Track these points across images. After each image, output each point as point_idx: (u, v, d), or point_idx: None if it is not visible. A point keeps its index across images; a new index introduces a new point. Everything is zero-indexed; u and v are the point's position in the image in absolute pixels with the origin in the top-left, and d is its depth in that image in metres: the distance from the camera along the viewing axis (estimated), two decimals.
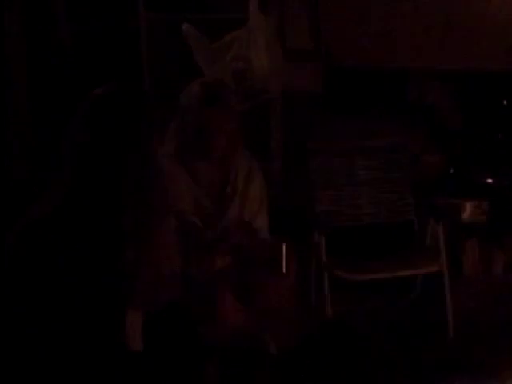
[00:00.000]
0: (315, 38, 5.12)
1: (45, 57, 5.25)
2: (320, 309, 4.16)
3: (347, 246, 4.30)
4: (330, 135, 4.73)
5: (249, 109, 4.60)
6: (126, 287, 2.08)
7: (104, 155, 2.07)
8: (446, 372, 3.82)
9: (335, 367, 3.48)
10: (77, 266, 2.00)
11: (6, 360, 2.04)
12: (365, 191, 4.59)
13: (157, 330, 2.30)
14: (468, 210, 4.90)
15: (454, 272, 4.49)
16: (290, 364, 3.13)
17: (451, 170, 5.21)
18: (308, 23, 5.16)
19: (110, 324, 2.06)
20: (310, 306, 4.46)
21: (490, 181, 5.12)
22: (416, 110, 5.25)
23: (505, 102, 5.21)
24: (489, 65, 5.03)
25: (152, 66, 5.34)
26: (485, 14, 5.01)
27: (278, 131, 5.14)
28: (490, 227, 4.94)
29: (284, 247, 3.11)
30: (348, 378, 3.53)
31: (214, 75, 4.59)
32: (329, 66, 5.09)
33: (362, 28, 5.10)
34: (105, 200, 2.06)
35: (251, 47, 4.68)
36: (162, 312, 2.26)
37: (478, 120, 5.25)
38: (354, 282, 4.07)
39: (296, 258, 3.21)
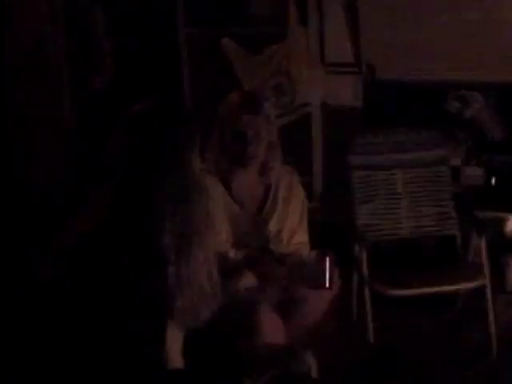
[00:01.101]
0: (355, 51, 5.10)
1: (85, 71, 5.29)
2: (361, 324, 4.14)
3: (388, 260, 4.26)
4: (370, 148, 4.68)
5: (289, 122, 4.60)
6: (167, 303, 2.07)
7: (144, 170, 2.06)
8: None
9: None
10: (120, 281, 1.99)
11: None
12: (405, 205, 4.54)
13: (197, 346, 2.29)
14: (511, 224, 4.83)
15: (497, 287, 4.42)
16: None
17: (493, 183, 5.14)
18: (348, 36, 5.14)
19: (151, 341, 2.05)
20: (351, 321, 4.42)
21: None
22: (457, 123, 5.19)
23: None
24: None
25: (192, 82, 5.35)
26: None
27: (319, 144, 5.12)
28: None
29: (327, 260, 3.09)
30: None
31: (253, 89, 4.60)
32: (369, 78, 5.06)
33: (401, 40, 5.06)
34: (145, 215, 2.05)
35: (291, 61, 4.68)
36: (202, 328, 2.24)
37: None
38: (396, 297, 4.04)
39: (338, 271, 3.19)
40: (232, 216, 3.27)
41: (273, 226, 3.35)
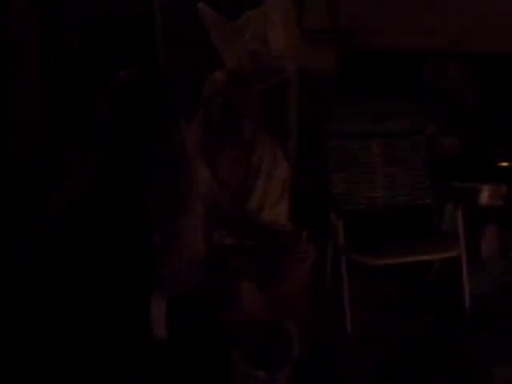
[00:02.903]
0: (333, 18, 5.04)
1: (57, 39, 5.19)
2: (336, 294, 4.13)
3: (363, 230, 4.24)
4: (346, 117, 4.66)
5: (265, 90, 4.54)
6: (151, 273, 2.03)
7: (131, 140, 2.02)
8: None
9: None
10: (105, 251, 1.95)
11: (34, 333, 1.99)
12: (380, 174, 4.53)
13: (180, 318, 2.26)
14: (486, 194, 4.83)
15: (471, 256, 4.42)
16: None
17: (468, 154, 5.14)
18: (326, 2, 5.07)
19: (135, 311, 2.02)
20: (326, 292, 4.41)
21: (507, 164, 5.05)
22: (433, 92, 5.18)
23: None
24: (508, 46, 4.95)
25: (167, 49, 5.26)
26: None
27: (294, 113, 5.07)
28: (507, 211, 4.87)
29: (304, 234, 3.08)
30: None
31: (230, 55, 4.53)
32: (346, 46, 5.01)
33: (380, 8, 5.02)
34: (132, 184, 2.02)
35: (268, 27, 4.61)
36: (185, 299, 2.21)
37: (496, 102, 5.17)
38: (372, 267, 4.03)
39: (315, 244, 3.18)
40: (212, 194, 3.22)
41: (254, 202, 3.32)
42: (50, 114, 5.13)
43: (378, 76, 5.16)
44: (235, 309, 2.92)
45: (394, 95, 4.95)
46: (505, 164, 5.03)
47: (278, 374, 2.66)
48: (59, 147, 4.88)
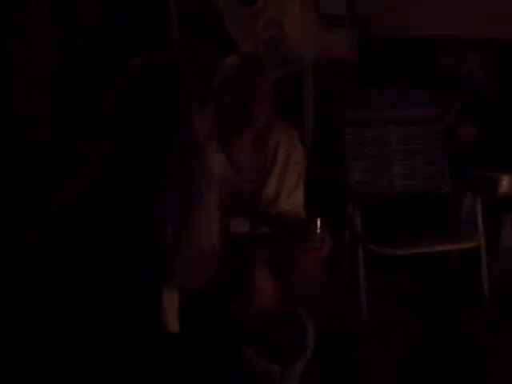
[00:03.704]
0: (350, 3, 4.96)
1: (71, 26, 5.14)
2: (352, 283, 4.08)
3: (379, 218, 4.18)
4: (364, 105, 4.58)
5: (280, 77, 4.48)
6: (164, 265, 1.98)
7: (143, 129, 1.97)
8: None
9: None
10: (116, 243, 1.91)
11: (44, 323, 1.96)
12: (398, 162, 4.46)
13: (192, 311, 2.22)
14: (505, 184, 4.74)
15: (490, 246, 4.35)
16: None
17: (487, 142, 5.06)
18: None
19: (149, 303, 1.97)
20: (343, 280, 4.35)
21: None
22: (452, 80, 5.10)
23: None
24: None
25: (181, 34, 5.19)
26: None
27: (310, 100, 5.00)
28: None
29: (318, 221, 3.03)
30: None
31: (245, 41, 4.48)
32: (363, 33, 4.93)
33: None
34: (144, 174, 1.97)
35: (284, 13, 4.55)
36: (198, 292, 2.16)
37: None
38: (390, 257, 3.97)
39: (330, 232, 3.12)
40: (228, 182, 3.16)
41: (270, 188, 3.26)
42: (58, 109, 5.07)
43: (396, 63, 5.08)
44: (247, 296, 2.88)
45: (412, 83, 4.88)
46: None
47: (293, 367, 2.61)
48: (70, 144, 4.82)
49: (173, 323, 2.15)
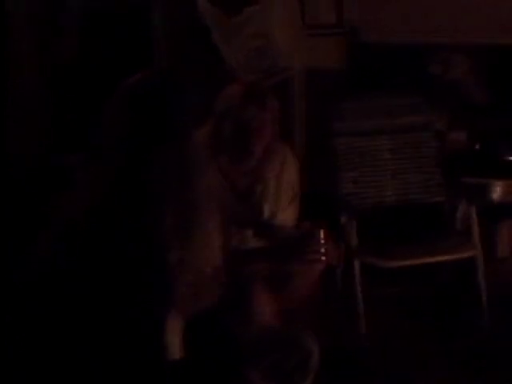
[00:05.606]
0: (337, 12, 4.90)
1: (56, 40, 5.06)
2: (346, 294, 4.03)
3: (374, 230, 4.12)
4: (353, 114, 4.53)
5: (269, 88, 4.41)
6: (167, 290, 1.92)
7: (145, 145, 1.91)
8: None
9: None
10: (117, 266, 1.85)
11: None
12: (390, 172, 4.42)
13: (195, 337, 2.15)
14: (499, 190, 4.70)
15: (486, 255, 4.30)
16: None
17: (478, 148, 5.01)
18: None
19: (152, 331, 1.91)
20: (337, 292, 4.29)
21: None
22: (440, 86, 5.05)
23: None
24: None
25: (166, 46, 5.12)
26: None
27: (300, 111, 4.94)
28: None
29: (322, 233, 2.96)
30: None
31: (231, 53, 4.42)
32: (352, 40, 4.87)
33: (384, 1, 4.89)
34: (145, 196, 1.90)
35: (270, 22, 4.49)
36: (201, 317, 2.09)
37: (505, 95, 5.04)
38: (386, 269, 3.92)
39: (335, 244, 3.06)
40: (224, 201, 3.09)
41: (267, 206, 3.21)
42: (50, 117, 5.00)
43: (384, 72, 5.03)
44: (247, 315, 2.81)
45: (401, 91, 4.83)
46: None
47: None
48: (61, 153, 4.76)
49: (176, 348, 2.08)
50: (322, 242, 2.94)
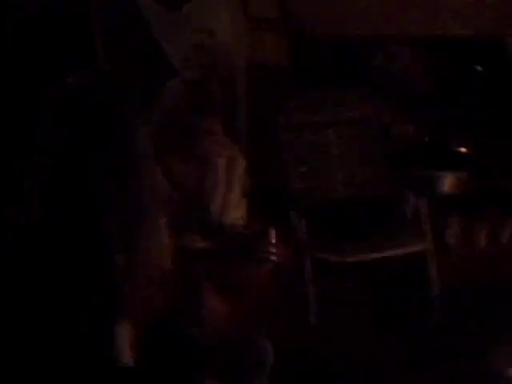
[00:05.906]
0: (281, 5, 4.83)
1: None
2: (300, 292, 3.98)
3: (324, 225, 4.07)
4: (299, 108, 4.47)
5: (213, 84, 4.33)
6: (114, 295, 1.85)
7: (87, 147, 1.83)
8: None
9: None
10: (61, 270, 1.78)
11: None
12: (339, 166, 4.38)
13: (149, 341, 2.07)
14: (448, 183, 4.68)
15: (436, 247, 4.28)
16: None
17: (424, 140, 4.99)
18: None
19: (98, 336, 1.85)
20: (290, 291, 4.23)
21: (466, 150, 4.90)
22: (385, 78, 5.02)
23: (479, 68, 5.01)
24: (457, 30, 4.83)
25: (105, 43, 4.99)
26: None
27: (244, 107, 4.86)
28: (468, 199, 4.72)
29: (272, 232, 2.91)
30: None
31: (173, 49, 4.33)
32: (296, 35, 4.82)
33: None
34: (89, 200, 1.81)
35: (212, 17, 4.41)
36: (154, 322, 2.01)
37: (449, 86, 5.04)
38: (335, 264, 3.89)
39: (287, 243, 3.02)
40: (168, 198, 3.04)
41: (216, 203, 3.19)
42: None
43: (329, 65, 4.98)
44: (197, 316, 2.76)
45: (347, 84, 4.78)
46: (463, 150, 4.90)
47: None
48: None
49: (125, 356, 2.00)
50: (273, 241, 2.91)
